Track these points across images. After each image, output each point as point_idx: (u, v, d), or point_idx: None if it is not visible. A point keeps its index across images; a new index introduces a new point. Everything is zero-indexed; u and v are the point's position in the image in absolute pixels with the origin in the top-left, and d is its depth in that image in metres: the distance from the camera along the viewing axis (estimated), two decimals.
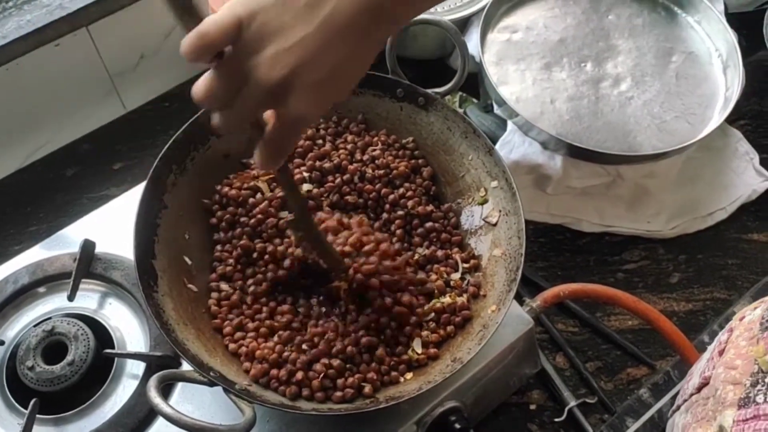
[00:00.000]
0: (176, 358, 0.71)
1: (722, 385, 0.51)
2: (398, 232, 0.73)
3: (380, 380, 0.65)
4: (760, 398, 0.47)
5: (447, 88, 0.77)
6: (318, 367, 0.64)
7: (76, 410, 0.69)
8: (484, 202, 0.73)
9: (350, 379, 0.64)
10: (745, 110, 1.01)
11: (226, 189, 0.73)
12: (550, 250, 0.90)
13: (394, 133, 0.78)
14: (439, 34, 0.97)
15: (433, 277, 0.70)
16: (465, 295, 0.69)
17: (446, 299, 0.68)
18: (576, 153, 0.83)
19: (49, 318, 0.73)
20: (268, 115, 0.51)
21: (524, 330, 0.72)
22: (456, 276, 0.70)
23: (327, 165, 0.75)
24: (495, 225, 0.72)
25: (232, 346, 0.67)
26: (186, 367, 0.61)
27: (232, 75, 0.48)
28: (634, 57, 0.92)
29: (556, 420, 0.78)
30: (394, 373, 0.65)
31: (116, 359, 0.72)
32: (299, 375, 0.63)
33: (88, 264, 0.76)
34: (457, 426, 0.68)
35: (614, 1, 0.97)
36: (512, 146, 0.88)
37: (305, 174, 0.74)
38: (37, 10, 0.85)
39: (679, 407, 0.61)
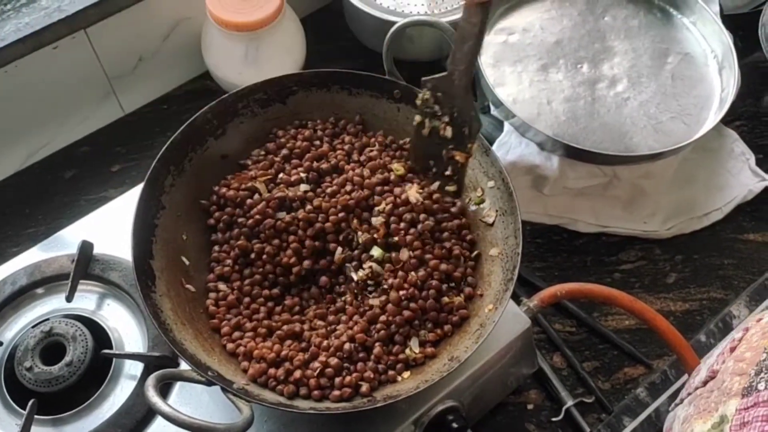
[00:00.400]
0: (174, 359, 0.71)
1: (729, 377, 0.52)
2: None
3: (377, 379, 0.65)
4: (761, 386, 0.48)
5: None
6: (315, 365, 0.64)
7: (74, 411, 0.69)
8: (481, 202, 0.73)
9: (348, 378, 0.64)
10: (741, 111, 1.01)
11: (224, 190, 0.74)
12: (547, 250, 0.90)
13: (392, 134, 0.78)
14: (435, 35, 0.98)
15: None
16: (462, 295, 0.69)
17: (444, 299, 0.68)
18: (573, 154, 0.84)
19: (48, 319, 0.73)
20: None
21: (521, 330, 0.72)
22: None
23: (324, 166, 0.75)
24: (492, 225, 0.72)
25: (230, 345, 0.67)
26: (184, 367, 0.61)
27: None
28: (630, 58, 0.92)
29: (554, 419, 0.78)
30: (391, 372, 0.65)
31: (114, 360, 0.72)
32: (297, 374, 0.64)
33: (86, 265, 0.76)
34: (455, 425, 0.68)
35: (610, 3, 0.97)
36: (509, 147, 0.88)
37: (302, 174, 0.74)
38: (36, 13, 0.85)
39: (682, 401, 0.61)
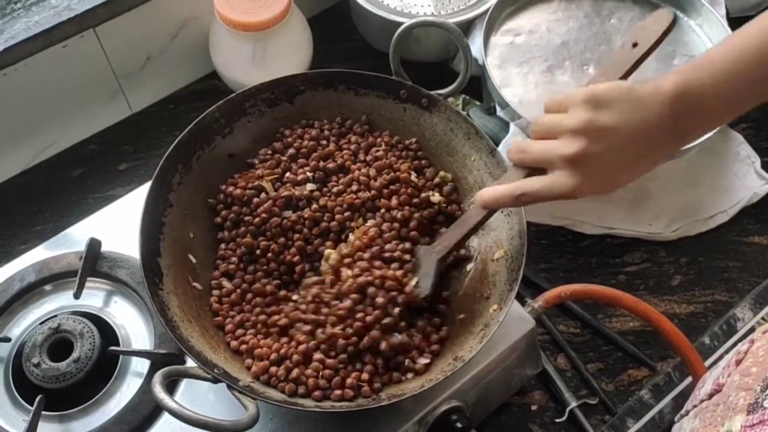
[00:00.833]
0: (180, 356, 0.71)
1: (735, 392, 0.51)
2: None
3: (380, 381, 0.65)
4: (767, 403, 0.48)
5: (450, 89, 0.77)
6: (314, 365, 0.64)
7: (81, 407, 0.70)
8: None
9: (348, 380, 0.64)
10: (747, 114, 1.01)
11: (231, 188, 0.74)
12: (552, 252, 0.90)
13: (398, 134, 0.79)
14: (442, 36, 0.98)
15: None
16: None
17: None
18: None
19: (55, 316, 0.74)
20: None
21: (526, 330, 0.73)
22: None
23: (331, 165, 0.75)
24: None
25: (233, 343, 0.67)
26: (190, 364, 0.62)
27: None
28: None
29: (557, 421, 0.78)
30: (395, 374, 0.65)
31: (121, 357, 0.72)
32: (295, 372, 0.64)
33: (94, 262, 0.77)
34: (459, 425, 0.68)
35: (616, 5, 0.97)
36: None
37: (309, 174, 0.74)
38: (45, 12, 0.86)
39: (688, 412, 0.61)
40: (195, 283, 0.70)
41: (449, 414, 0.69)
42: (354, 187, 0.74)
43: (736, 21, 1.01)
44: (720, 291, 0.88)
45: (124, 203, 0.82)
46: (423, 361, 0.66)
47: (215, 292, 0.71)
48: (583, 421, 0.78)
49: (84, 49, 0.90)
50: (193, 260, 0.71)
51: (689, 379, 0.80)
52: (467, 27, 0.98)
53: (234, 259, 0.72)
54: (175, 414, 0.54)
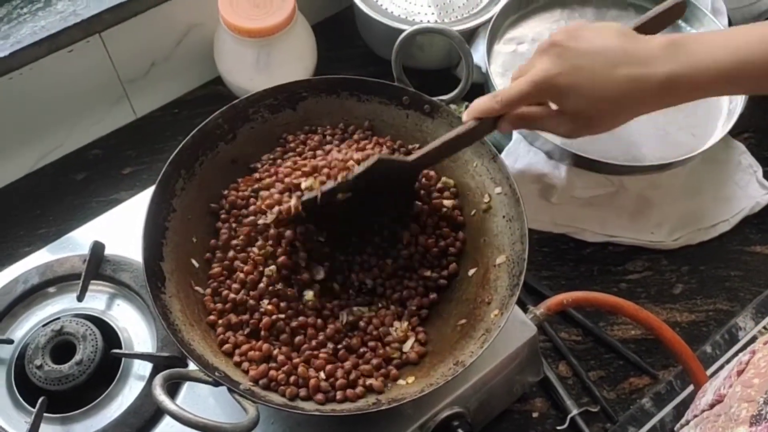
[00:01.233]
0: (182, 360, 0.71)
1: (737, 403, 0.51)
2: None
3: (382, 381, 0.65)
4: None
5: (452, 96, 0.78)
6: (316, 365, 0.65)
7: (82, 409, 0.70)
8: (489, 208, 0.73)
9: (348, 380, 0.64)
10: (749, 123, 1.02)
11: (233, 194, 0.74)
12: (554, 259, 0.90)
13: (400, 140, 0.79)
14: (445, 44, 0.98)
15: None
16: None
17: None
18: (580, 163, 0.84)
19: (58, 318, 0.74)
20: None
21: (528, 337, 0.73)
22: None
23: None
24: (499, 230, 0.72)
25: (226, 347, 0.67)
26: (192, 367, 0.62)
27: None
28: None
29: (559, 428, 0.78)
30: (393, 372, 0.66)
31: (123, 359, 0.73)
32: (292, 377, 0.64)
33: (98, 265, 0.77)
34: (460, 431, 0.69)
35: (619, 14, 0.98)
36: (517, 156, 0.89)
37: None
38: (51, 17, 0.86)
39: (688, 422, 0.61)
40: (197, 288, 0.70)
41: (451, 420, 0.69)
42: None
43: None
44: (721, 300, 0.88)
45: (127, 207, 0.83)
46: (409, 343, 0.68)
47: (208, 291, 0.70)
48: (585, 429, 0.78)
49: (89, 54, 0.90)
50: (196, 265, 0.71)
51: (691, 388, 0.80)
52: (470, 35, 0.98)
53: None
54: (175, 416, 0.54)
